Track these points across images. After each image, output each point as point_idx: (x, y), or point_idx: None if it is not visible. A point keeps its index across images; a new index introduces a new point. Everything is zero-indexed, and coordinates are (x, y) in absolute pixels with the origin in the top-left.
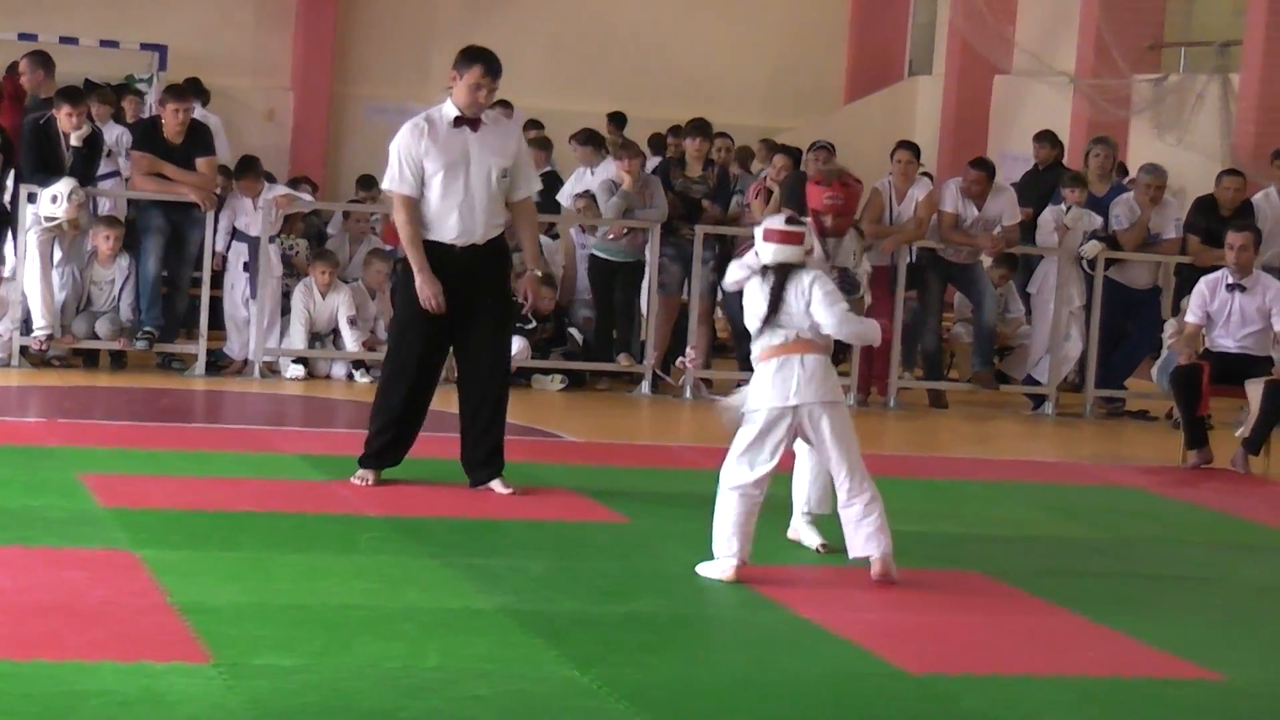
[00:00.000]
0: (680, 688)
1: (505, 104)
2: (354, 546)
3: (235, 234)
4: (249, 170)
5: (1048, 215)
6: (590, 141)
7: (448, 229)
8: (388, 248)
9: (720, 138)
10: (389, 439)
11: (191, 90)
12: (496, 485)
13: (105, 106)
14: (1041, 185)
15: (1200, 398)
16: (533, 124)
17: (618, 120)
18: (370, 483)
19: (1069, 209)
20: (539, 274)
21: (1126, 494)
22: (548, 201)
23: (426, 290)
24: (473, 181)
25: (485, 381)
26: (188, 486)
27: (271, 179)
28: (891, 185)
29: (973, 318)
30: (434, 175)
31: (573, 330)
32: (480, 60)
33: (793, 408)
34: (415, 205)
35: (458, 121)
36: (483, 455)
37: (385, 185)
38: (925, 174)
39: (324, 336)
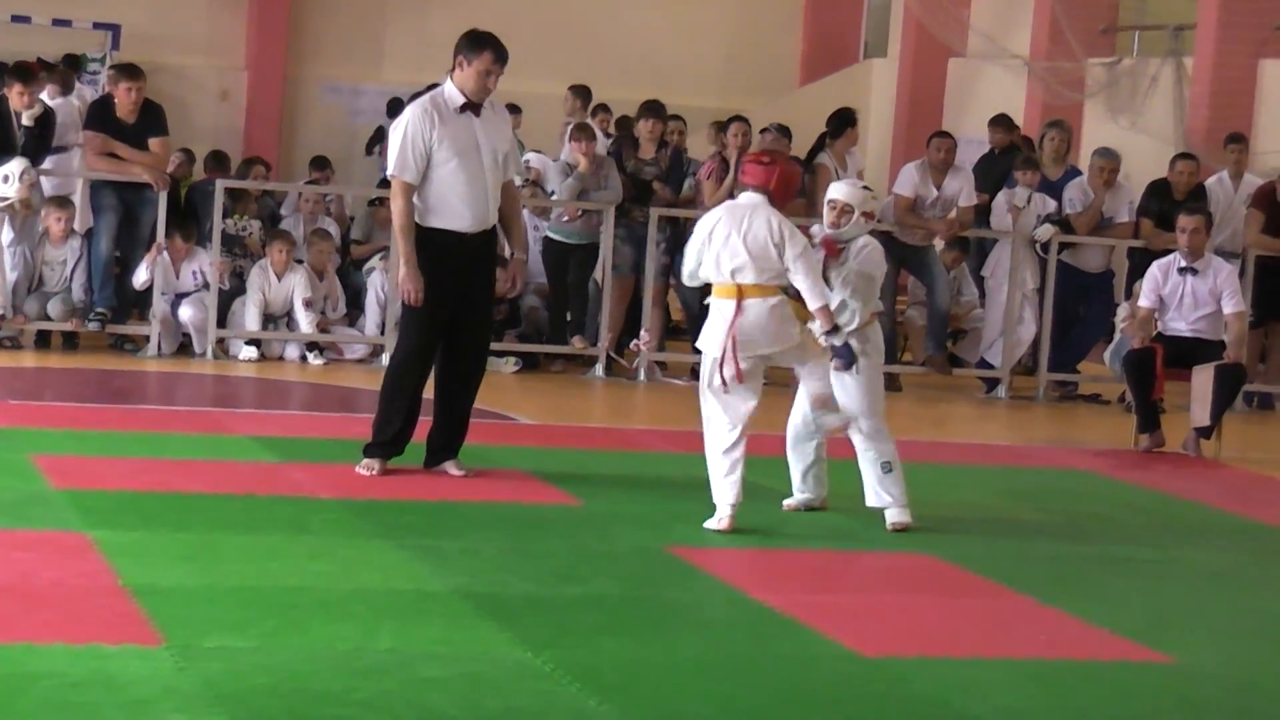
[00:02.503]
0: (633, 670)
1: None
2: (306, 528)
3: None
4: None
5: (1001, 198)
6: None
7: (461, 217)
8: (332, 228)
9: (674, 120)
10: (399, 427)
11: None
12: (450, 467)
13: (56, 85)
14: (996, 170)
15: (1154, 381)
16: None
17: (581, 94)
18: (376, 472)
19: (1028, 197)
20: (524, 259)
21: (1078, 477)
22: None
23: (411, 284)
24: (485, 168)
25: (468, 369)
26: (140, 468)
27: (225, 161)
28: (832, 158)
29: (926, 301)
30: (447, 162)
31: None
32: (490, 46)
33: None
34: (413, 193)
35: (463, 108)
36: (447, 439)
37: (390, 170)
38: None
39: (278, 318)
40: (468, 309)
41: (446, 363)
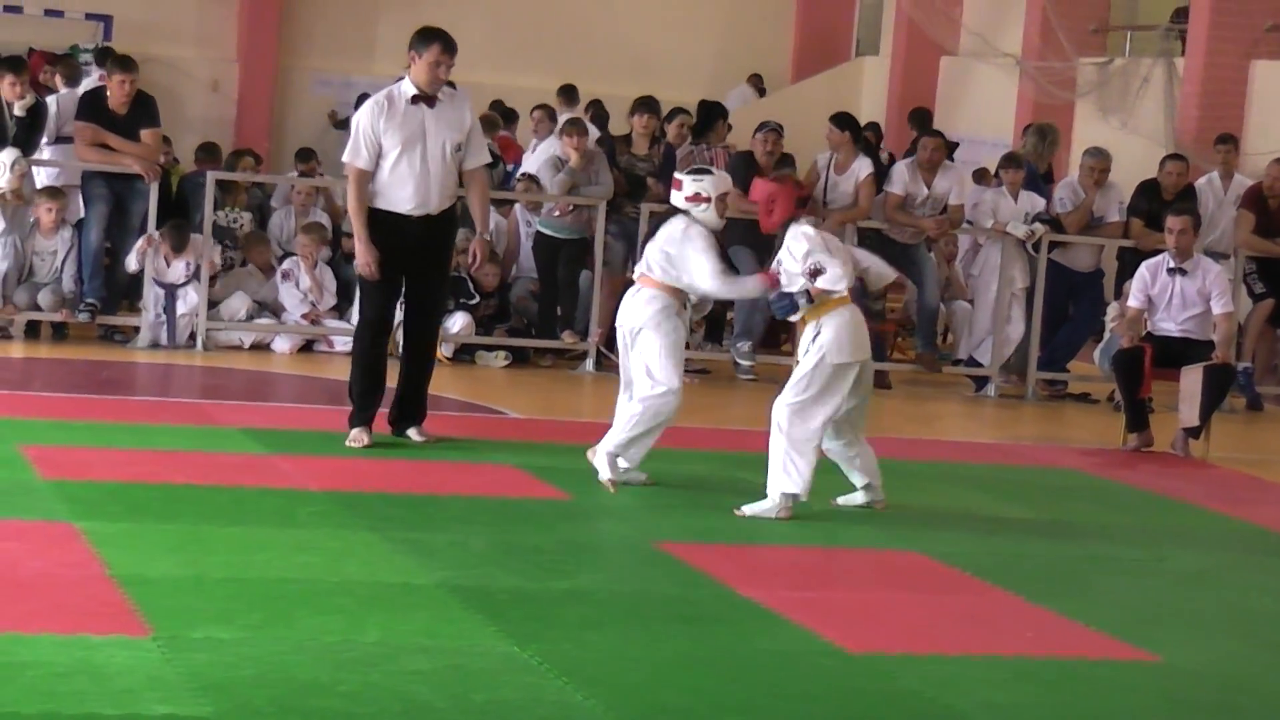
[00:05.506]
0: (619, 664)
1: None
2: (294, 520)
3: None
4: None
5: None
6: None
7: (404, 200)
8: (326, 220)
9: (681, 114)
10: (362, 388)
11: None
12: (413, 433)
13: (62, 76)
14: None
15: (1143, 380)
16: (496, 105)
17: (569, 94)
18: (366, 442)
19: (1031, 228)
20: (489, 239)
21: (1066, 476)
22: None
23: (364, 258)
24: (429, 156)
25: (419, 342)
26: (128, 459)
27: (216, 152)
28: (834, 160)
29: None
30: (392, 150)
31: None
32: (439, 39)
33: None
34: (367, 179)
35: (415, 99)
36: (410, 408)
37: (344, 157)
38: (873, 150)
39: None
40: (420, 288)
41: (404, 339)
